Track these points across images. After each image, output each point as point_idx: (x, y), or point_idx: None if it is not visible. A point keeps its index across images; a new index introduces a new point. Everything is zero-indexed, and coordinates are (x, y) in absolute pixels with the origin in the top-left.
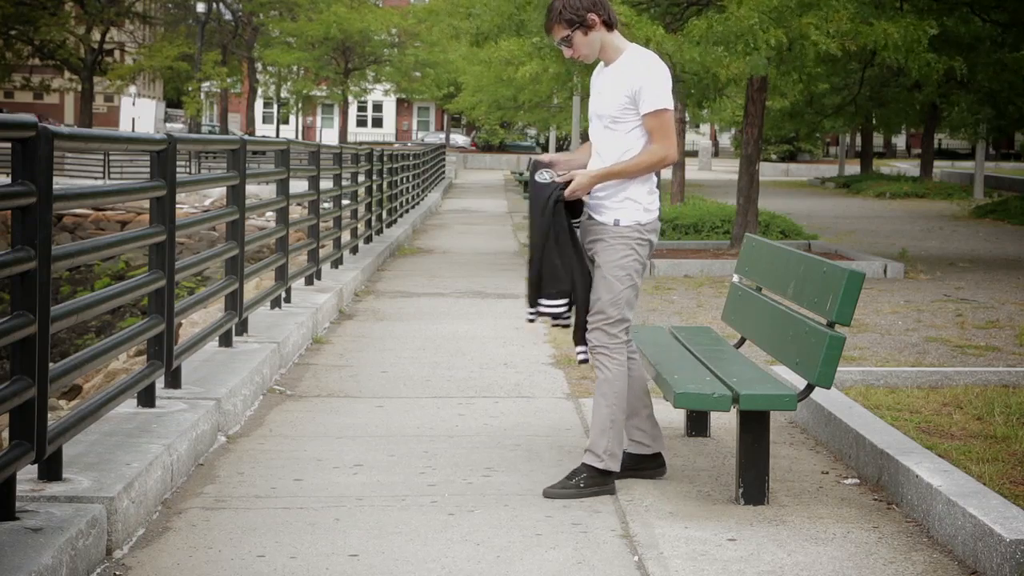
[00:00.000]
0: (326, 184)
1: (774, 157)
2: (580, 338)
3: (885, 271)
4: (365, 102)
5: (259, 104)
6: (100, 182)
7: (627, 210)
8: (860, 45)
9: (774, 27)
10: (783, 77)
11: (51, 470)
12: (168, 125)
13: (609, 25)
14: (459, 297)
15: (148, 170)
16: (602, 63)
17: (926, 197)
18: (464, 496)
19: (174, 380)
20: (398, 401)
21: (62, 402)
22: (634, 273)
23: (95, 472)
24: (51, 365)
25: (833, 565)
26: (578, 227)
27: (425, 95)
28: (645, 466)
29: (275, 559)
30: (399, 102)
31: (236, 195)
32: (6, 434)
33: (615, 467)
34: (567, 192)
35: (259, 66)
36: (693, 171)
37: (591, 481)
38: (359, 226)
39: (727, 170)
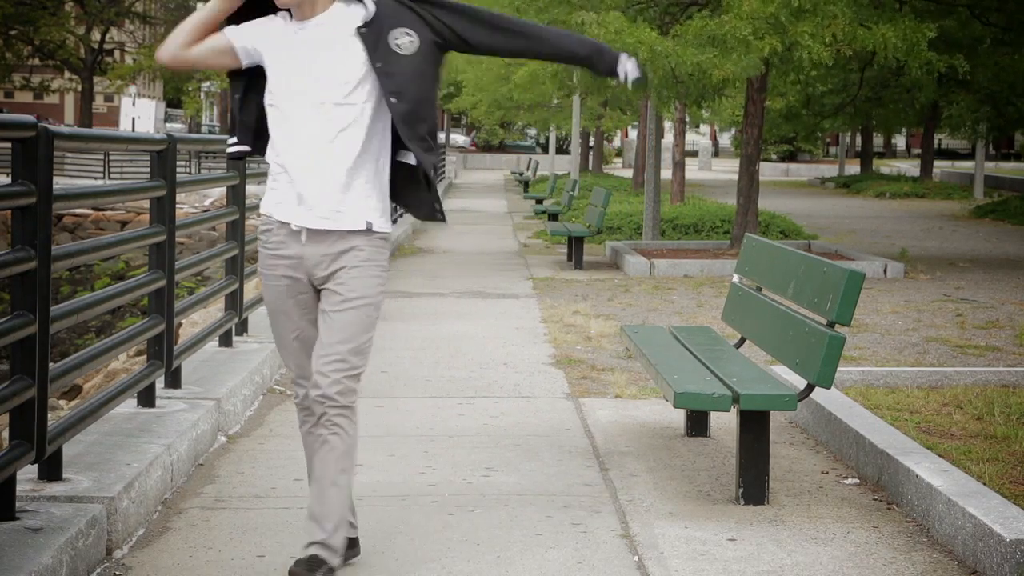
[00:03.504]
0: None
1: (774, 157)
2: None
3: (885, 271)
4: None
5: None
6: (100, 182)
7: (384, 208)
8: (856, 50)
9: (769, 35)
10: (781, 78)
11: (51, 470)
12: (168, 125)
13: None
14: (459, 297)
15: (148, 170)
16: (288, 15)
17: (926, 197)
18: (464, 496)
19: (174, 380)
20: (398, 401)
21: (62, 402)
22: (381, 303)
23: (95, 472)
24: (51, 365)
25: (833, 565)
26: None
27: None
28: (352, 553)
29: (275, 559)
30: None
31: (236, 195)
32: (6, 434)
33: (338, 564)
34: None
35: None
36: (693, 171)
37: (330, 571)
38: None
39: (727, 170)
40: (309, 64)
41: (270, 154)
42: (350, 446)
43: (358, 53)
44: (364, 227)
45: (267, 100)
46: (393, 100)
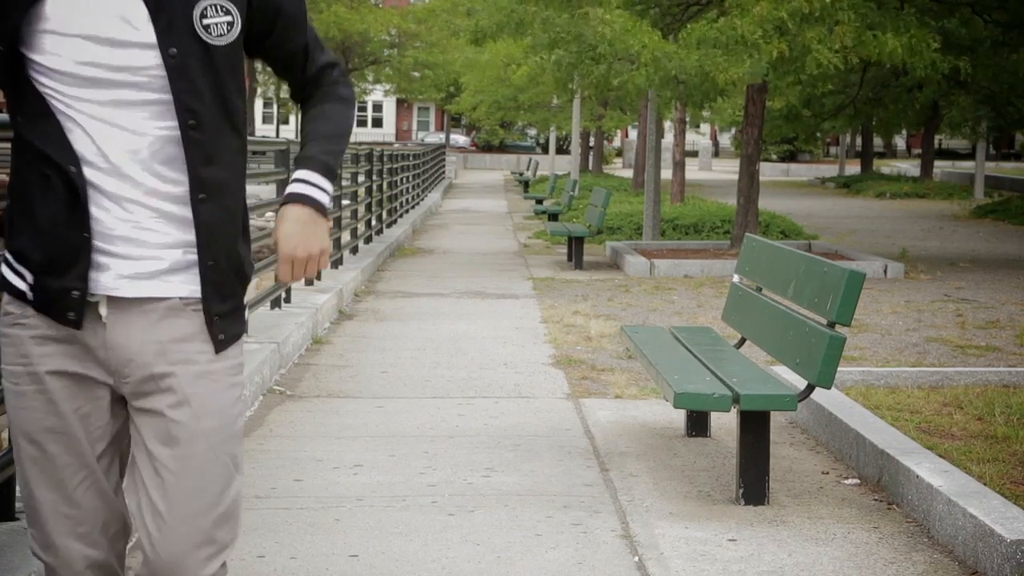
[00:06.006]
0: None
1: (774, 157)
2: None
3: (885, 271)
4: (365, 102)
5: (259, 104)
6: None
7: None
8: (863, 56)
9: (777, 39)
10: (782, 79)
11: None
12: None
13: None
14: (459, 297)
15: None
16: None
17: (926, 197)
18: (464, 496)
19: None
20: (398, 401)
21: None
22: (242, 426)
23: None
24: None
25: (833, 565)
26: None
27: (425, 96)
28: None
29: (275, 559)
30: (399, 102)
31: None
32: (6, 434)
33: None
34: (315, 268)
35: (259, 66)
36: (693, 171)
37: None
38: (359, 226)
39: (727, 170)
40: (105, 28)
41: (27, 172)
42: None
43: (143, 32)
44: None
45: (38, 77)
46: (192, 123)
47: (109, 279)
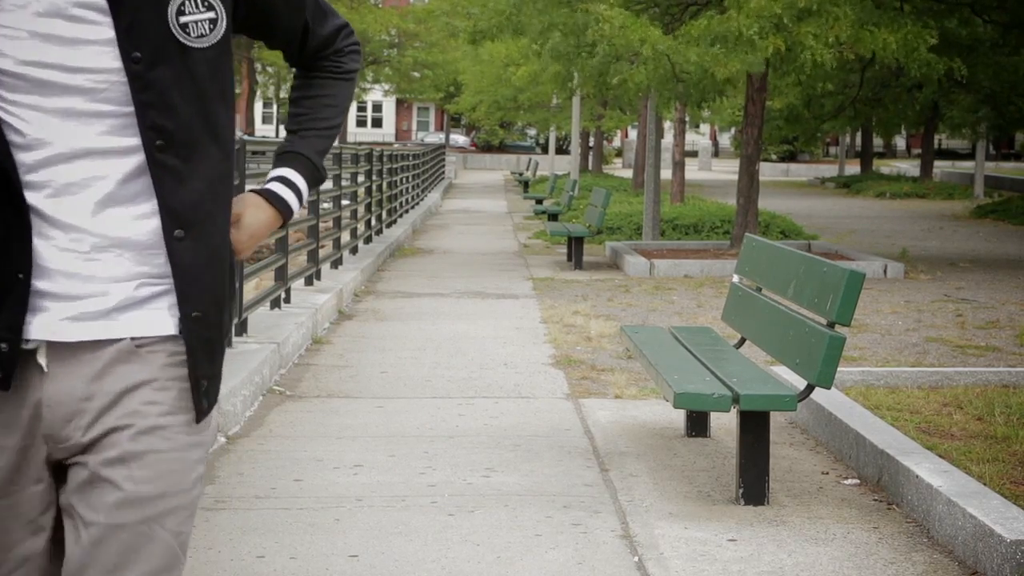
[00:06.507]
0: (326, 184)
1: (774, 157)
2: None
3: (885, 271)
4: (365, 102)
5: (259, 104)
6: None
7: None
8: (858, 53)
9: (773, 34)
10: (781, 79)
11: None
12: None
13: None
14: (459, 297)
15: None
16: None
17: (926, 197)
18: (464, 496)
19: None
20: (398, 401)
21: None
22: (199, 497)
23: None
24: None
25: (833, 566)
26: None
27: (424, 96)
28: None
29: (275, 559)
30: (399, 102)
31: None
32: None
33: None
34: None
35: (258, 66)
36: (693, 171)
37: None
38: (359, 226)
39: (727, 170)
40: (55, 22)
41: None
42: None
43: (102, 27)
44: (173, 330)
45: None
46: (159, 143)
47: (48, 322)
